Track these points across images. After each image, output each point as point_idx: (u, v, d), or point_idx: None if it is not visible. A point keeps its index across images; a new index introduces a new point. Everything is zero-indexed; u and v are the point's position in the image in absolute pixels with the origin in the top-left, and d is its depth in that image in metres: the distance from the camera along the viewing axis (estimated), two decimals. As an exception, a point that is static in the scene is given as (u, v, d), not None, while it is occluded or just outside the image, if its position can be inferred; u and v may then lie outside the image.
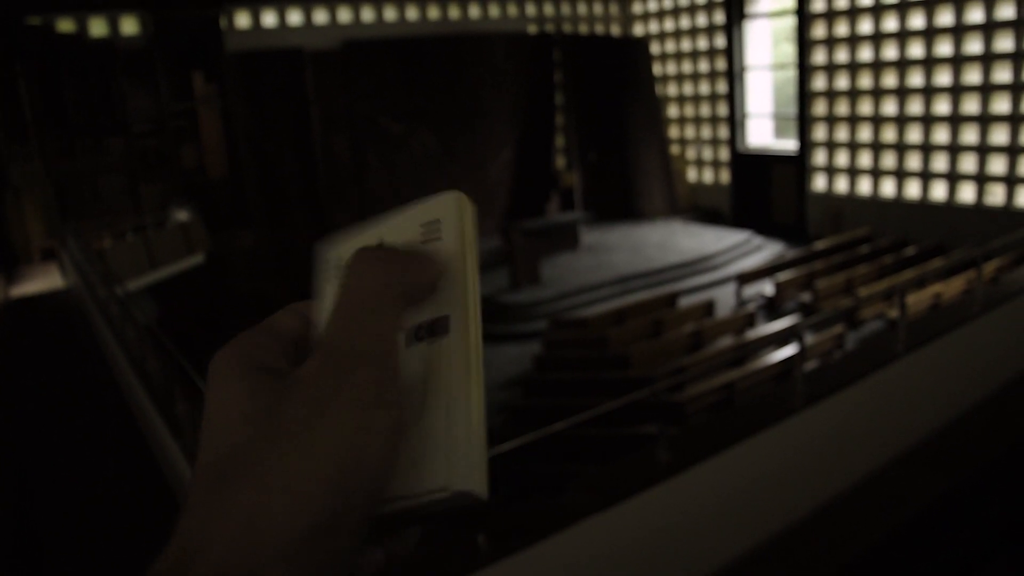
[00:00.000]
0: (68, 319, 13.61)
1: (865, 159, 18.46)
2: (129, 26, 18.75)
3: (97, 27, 18.58)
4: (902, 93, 17.28)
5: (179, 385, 7.56)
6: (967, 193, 16.50)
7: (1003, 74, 15.42)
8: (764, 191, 21.19)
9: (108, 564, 6.16)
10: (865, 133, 18.30)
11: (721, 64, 21.77)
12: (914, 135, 17.27)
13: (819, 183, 19.69)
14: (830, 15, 18.44)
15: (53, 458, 8.14)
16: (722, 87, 21.92)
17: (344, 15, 20.47)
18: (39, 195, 18.35)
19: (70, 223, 16.48)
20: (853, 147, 18.64)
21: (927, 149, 17.04)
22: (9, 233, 18.53)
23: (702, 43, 22.31)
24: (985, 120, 15.84)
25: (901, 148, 17.57)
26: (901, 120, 17.42)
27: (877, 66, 17.68)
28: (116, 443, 8.52)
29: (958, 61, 16.09)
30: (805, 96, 19.35)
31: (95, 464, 7.91)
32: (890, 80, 17.51)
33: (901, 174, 17.68)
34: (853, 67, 18.18)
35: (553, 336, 13.22)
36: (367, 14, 20.71)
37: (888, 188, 18.07)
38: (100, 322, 11.50)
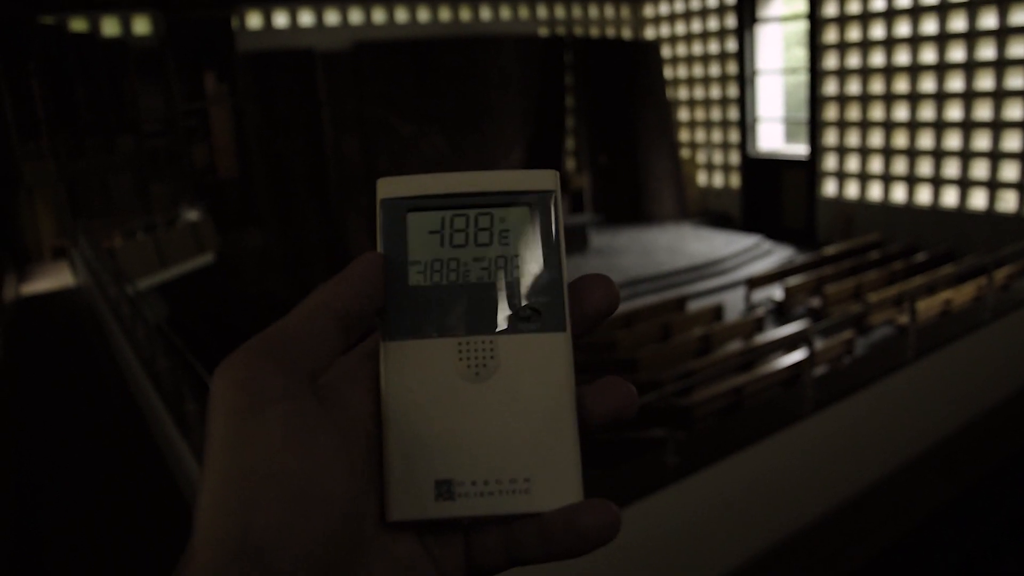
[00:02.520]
0: (78, 317, 13.67)
1: (876, 164, 18.40)
2: (141, 26, 18.84)
3: (109, 27, 18.67)
4: (913, 98, 17.22)
5: (188, 384, 7.58)
6: (978, 199, 16.42)
7: (1015, 80, 15.35)
8: (774, 195, 21.14)
9: (115, 562, 6.18)
10: (876, 138, 18.25)
11: (732, 68, 21.73)
12: (925, 141, 17.20)
13: (829, 188, 19.63)
14: (842, 20, 18.39)
15: (62, 456, 8.18)
16: (733, 91, 21.88)
17: (355, 16, 20.52)
18: (51, 193, 18.44)
19: (81, 222, 16.56)
20: (864, 152, 18.58)
21: (938, 155, 16.97)
22: (21, 231, 18.63)
23: (713, 47, 22.27)
24: (997, 126, 15.77)
25: (912, 153, 17.51)
26: (912, 125, 17.36)
27: (889, 71, 17.62)
28: (125, 441, 8.55)
29: (970, 67, 16.03)
30: (816, 101, 19.29)
31: (104, 462, 7.94)
32: (902, 85, 17.45)
33: (912, 180, 17.61)
34: (865, 72, 18.12)
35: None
36: (378, 15, 20.76)
37: (899, 194, 18.00)
38: (110, 320, 11.55)
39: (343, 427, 0.44)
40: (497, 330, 0.48)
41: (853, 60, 18.37)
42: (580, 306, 0.49)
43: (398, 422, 0.45)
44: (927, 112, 17.06)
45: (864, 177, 18.69)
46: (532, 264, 0.49)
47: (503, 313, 0.48)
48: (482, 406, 0.46)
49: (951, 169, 16.84)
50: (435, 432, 0.46)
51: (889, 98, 17.73)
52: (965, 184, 16.58)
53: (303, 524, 0.39)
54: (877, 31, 17.74)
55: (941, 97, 16.68)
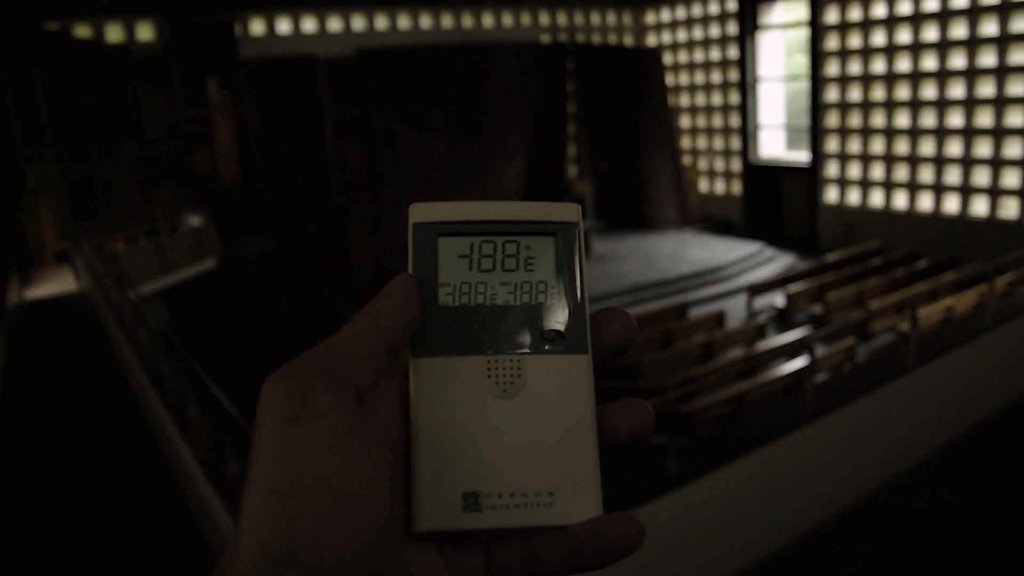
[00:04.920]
0: (81, 322, 13.68)
1: (877, 171, 18.41)
2: (145, 32, 18.89)
3: (113, 33, 18.72)
4: (915, 105, 17.24)
5: (191, 389, 7.59)
6: (980, 206, 16.43)
7: (1016, 87, 15.37)
8: (776, 202, 21.15)
9: (117, 564, 6.19)
10: (878, 145, 18.26)
11: (734, 75, 21.77)
12: (927, 148, 17.22)
13: (831, 195, 19.64)
14: (843, 27, 18.43)
15: (64, 460, 8.19)
16: (734, 98, 21.91)
17: (358, 23, 20.57)
18: (54, 198, 18.48)
19: (84, 226, 16.58)
20: (865, 159, 18.60)
21: (940, 162, 16.99)
22: (24, 235, 18.66)
23: (715, 54, 22.32)
24: (998, 133, 15.78)
25: (914, 160, 17.52)
26: (914, 132, 17.38)
27: (890, 78, 17.65)
28: (127, 445, 8.56)
29: (971, 74, 16.05)
30: (817, 108, 19.32)
31: (106, 466, 7.95)
32: (903, 92, 17.48)
33: (913, 187, 17.63)
34: (866, 79, 18.15)
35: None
36: (381, 22, 20.81)
37: (900, 201, 18.01)
38: (113, 325, 11.56)
39: (382, 441, 0.46)
40: (524, 350, 0.50)
41: (854, 67, 18.40)
42: (599, 336, 0.51)
43: (427, 435, 0.47)
44: (928, 119, 17.08)
45: (865, 184, 18.71)
46: (555, 290, 0.51)
47: (529, 334, 0.50)
48: (509, 422, 0.48)
49: (952, 176, 16.85)
50: (463, 446, 0.47)
51: (890, 105, 17.76)
52: (966, 191, 16.59)
53: (345, 534, 0.41)
54: (878, 38, 17.77)
55: (942, 104, 16.70)
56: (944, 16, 16.35)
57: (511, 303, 0.51)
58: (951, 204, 16.95)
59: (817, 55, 19.04)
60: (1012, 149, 15.68)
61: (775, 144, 21.79)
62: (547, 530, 0.47)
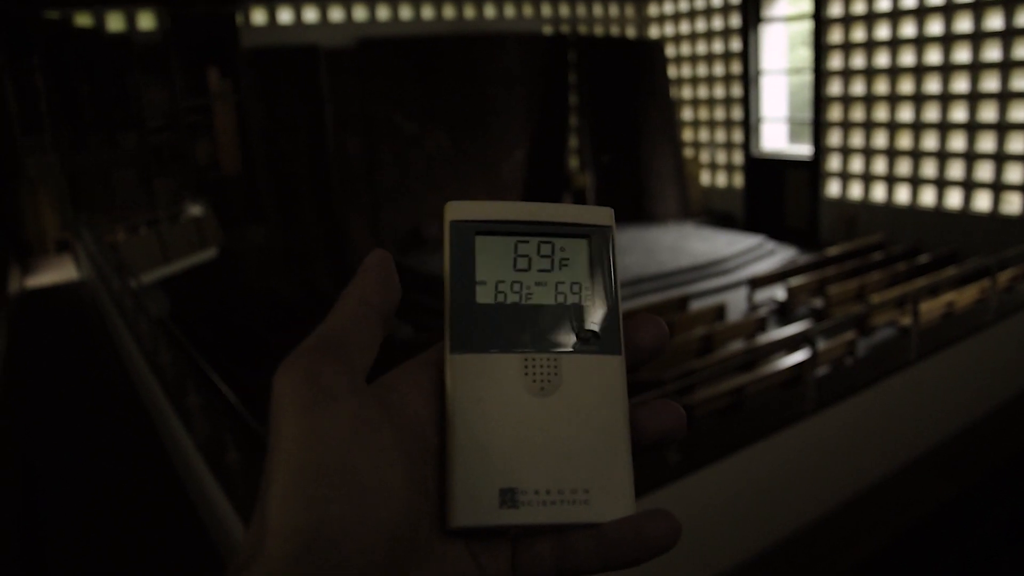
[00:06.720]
0: (82, 311, 13.69)
1: (880, 165, 18.38)
2: (145, 21, 18.83)
3: (114, 22, 18.67)
4: (918, 99, 17.20)
5: (191, 378, 7.60)
6: (982, 201, 16.40)
7: (1021, 81, 15.32)
8: (777, 196, 21.12)
9: (117, 555, 6.20)
10: (880, 139, 18.22)
11: (736, 68, 21.71)
12: (930, 142, 17.18)
13: (833, 189, 19.61)
14: (847, 20, 18.37)
15: (65, 450, 8.19)
16: (737, 91, 21.86)
17: (359, 13, 20.51)
18: (54, 188, 18.45)
19: (84, 216, 16.57)
20: (868, 153, 18.56)
21: (943, 156, 16.95)
22: (24, 225, 18.65)
23: (717, 46, 22.25)
24: (1002, 128, 15.74)
25: (916, 155, 17.48)
26: (917, 127, 17.34)
27: (893, 72, 17.60)
28: (128, 435, 8.57)
29: (975, 68, 16.00)
30: (820, 101, 19.27)
31: (107, 456, 7.96)
32: (906, 86, 17.43)
33: (916, 181, 17.59)
34: (869, 72, 18.10)
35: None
36: (382, 12, 20.75)
37: (902, 195, 17.98)
38: (114, 314, 11.57)
39: (402, 427, 0.46)
40: (561, 349, 0.50)
41: (858, 61, 18.35)
42: (632, 339, 0.52)
43: (464, 431, 0.47)
44: (931, 113, 17.04)
45: (868, 178, 18.67)
46: (589, 291, 0.52)
47: (565, 334, 0.51)
48: (546, 419, 0.49)
49: (955, 171, 16.82)
50: (500, 442, 0.48)
51: (893, 99, 17.71)
52: (969, 186, 16.56)
53: (371, 519, 0.41)
54: (882, 32, 17.72)
55: (946, 98, 16.66)
56: (948, 10, 16.29)
57: (547, 302, 0.51)
58: (953, 199, 16.92)
59: (820, 48, 18.98)
60: (1015, 144, 15.64)
61: (777, 137, 21.75)
62: (580, 527, 0.47)
